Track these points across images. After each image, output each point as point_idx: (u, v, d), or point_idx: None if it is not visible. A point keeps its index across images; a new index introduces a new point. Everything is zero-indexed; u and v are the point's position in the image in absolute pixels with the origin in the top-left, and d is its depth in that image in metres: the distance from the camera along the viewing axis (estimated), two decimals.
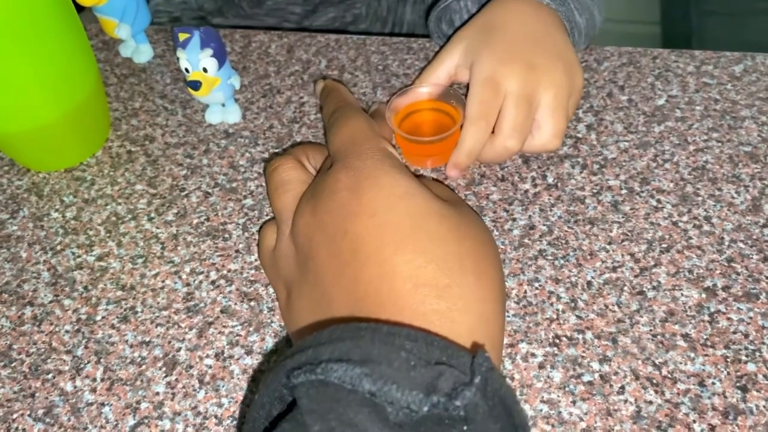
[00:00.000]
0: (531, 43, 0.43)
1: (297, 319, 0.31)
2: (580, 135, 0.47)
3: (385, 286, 0.26)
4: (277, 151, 0.48)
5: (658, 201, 0.42)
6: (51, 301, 0.41)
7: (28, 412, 0.35)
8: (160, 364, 0.37)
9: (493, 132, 0.42)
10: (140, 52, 0.55)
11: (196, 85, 0.45)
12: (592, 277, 0.39)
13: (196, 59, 0.45)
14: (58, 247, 0.44)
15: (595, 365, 0.35)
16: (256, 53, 0.56)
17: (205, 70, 0.45)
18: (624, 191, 0.43)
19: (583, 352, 0.35)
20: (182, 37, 0.44)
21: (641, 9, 1.95)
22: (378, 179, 0.29)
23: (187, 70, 0.45)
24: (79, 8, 0.48)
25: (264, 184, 0.46)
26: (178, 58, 0.45)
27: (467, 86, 0.44)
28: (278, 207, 0.34)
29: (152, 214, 0.45)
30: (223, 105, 0.50)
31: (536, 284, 0.39)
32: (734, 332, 0.36)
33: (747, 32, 1.40)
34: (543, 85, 0.41)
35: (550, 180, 0.44)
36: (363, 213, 0.28)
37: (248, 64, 0.55)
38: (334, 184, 0.30)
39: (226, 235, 0.43)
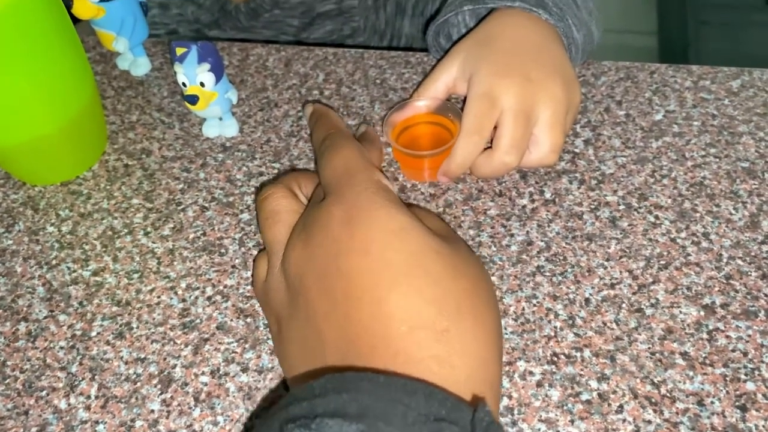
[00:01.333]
0: (529, 57, 0.43)
1: (288, 354, 0.30)
2: (577, 150, 0.46)
3: (379, 327, 0.25)
4: (274, 165, 0.48)
5: (656, 217, 0.42)
6: (46, 317, 0.41)
7: (22, 430, 0.35)
8: (155, 381, 0.36)
9: (490, 147, 0.42)
10: (138, 65, 0.55)
11: (193, 99, 0.45)
12: (590, 294, 0.38)
13: (194, 74, 0.45)
14: (54, 262, 0.43)
15: (594, 383, 0.34)
16: (254, 66, 0.56)
17: (202, 84, 0.45)
18: (622, 207, 0.43)
19: (581, 370, 0.35)
20: (179, 51, 0.44)
21: (638, 19, 1.96)
22: (371, 213, 0.28)
23: (184, 84, 0.45)
24: (76, 20, 0.48)
25: None
26: (175, 72, 0.45)
27: (465, 99, 0.44)
28: (269, 239, 0.34)
29: (148, 229, 0.45)
30: (221, 119, 0.50)
31: (534, 301, 0.38)
32: (733, 350, 0.35)
33: (743, 43, 1.40)
34: (541, 100, 0.41)
35: (547, 195, 0.44)
36: (356, 250, 0.27)
37: (246, 78, 0.55)
38: (327, 217, 0.29)
39: (223, 250, 0.43)
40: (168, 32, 0.71)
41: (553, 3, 0.46)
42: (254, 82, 0.54)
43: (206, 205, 0.46)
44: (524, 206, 0.43)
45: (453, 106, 0.45)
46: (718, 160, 0.45)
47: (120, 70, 0.57)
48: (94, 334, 0.39)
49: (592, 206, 0.43)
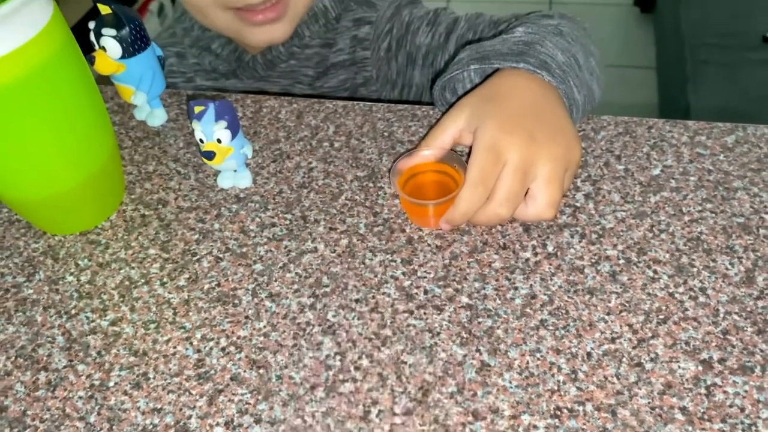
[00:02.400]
0: (533, 116, 0.45)
1: None
2: (578, 204, 0.48)
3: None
4: (286, 215, 0.50)
5: (655, 272, 0.43)
6: (65, 366, 0.42)
7: None
8: None
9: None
10: (154, 116, 0.58)
11: (210, 155, 0.47)
12: (592, 348, 0.40)
13: (211, 131, 0.47)
14: (73, 311, 0.45)
15: None
16: (267, 118, 0.58)
17: (219, 140, 0.47)
18: (622, 261, 0.44)
19: (584, 424, 0.36)
20: (197, 109, 0.47)
21: (638, 55, 1.99)
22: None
23: (201, 140, 0.47)
24: (96, 74, 0.51)
25: (273, 249, 0.47)
26: (193, 129, 0.48)
27: (469, 149, 0.46)
28: None
29: (165, 279, 0.46)
30: (235, 170, 0.52)
31: (538, 354, 0.40)
32: (730, 406, 0.37)
33: (741, 81, 1.43)
34: (541, 158, 0.43)
35: (550, 249, 0.45)
36: None
37: (259, 129, 0.57)
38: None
39: (236, 301, 0.44)
40: (185, 81, 0.73)
41: (557, 65, 0.49)
42: (267, 134, 0.57)
43: (221, 255, 0.47)
44: (527, 259, 0.45)
45: (458, 157, 0.47)
46: (714, 215, 0.47)
47: (137, 120, 0.59)
48: (112, 384, 0.41)
49: (593, 260, 0.45)
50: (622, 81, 1.93)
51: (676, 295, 0.42)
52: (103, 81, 0.60)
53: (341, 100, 0.59)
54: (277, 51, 0.68)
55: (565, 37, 0.53)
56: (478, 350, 0.40)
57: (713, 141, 0.52)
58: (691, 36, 1.54)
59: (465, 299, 0.43)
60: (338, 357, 0.41)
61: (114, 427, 0.38)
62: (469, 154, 0.45)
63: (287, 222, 0.49)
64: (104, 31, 0.51)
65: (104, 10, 0.52)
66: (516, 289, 0.43)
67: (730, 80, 1.43)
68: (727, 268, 0.43)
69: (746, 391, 0.37)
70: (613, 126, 0.54)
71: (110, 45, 0.51)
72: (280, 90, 0.71)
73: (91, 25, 0.52)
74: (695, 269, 0.43)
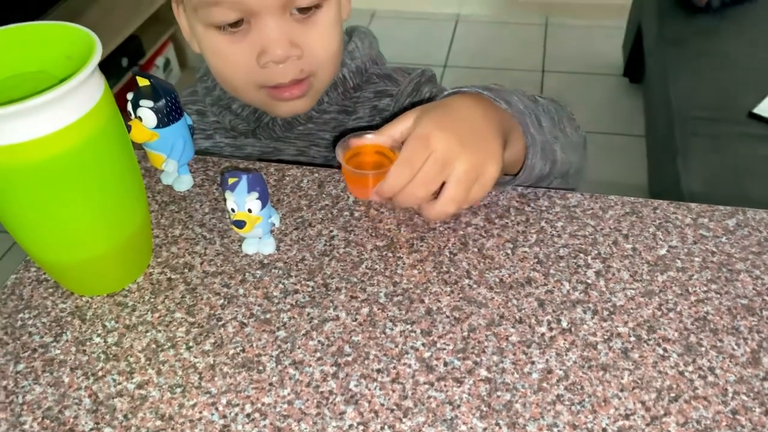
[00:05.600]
0: (468, 126, 0.52)
1: None
2: (590, 281, 0.51)
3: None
4: (308, 283, 0.51)
5: (665, 350, 0.45)
6: (91, 429, 0.43)
7: None
8: None
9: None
10: (181, 181, 0.60)
11: (240, 224, 0.49)
12: (607, 424, 0.41)
13: (243, 201, 0.49)
14: (100, 373, 0.46)
15: None
16: (290, 186, 0.60)
17: (249, 210, 0.49)
18: (633, 339, 0.46)
19: None
20: (231, 180, 0.49)
21: (628, 124, 2.06)
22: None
23: (233, 209, 0.49)
24: None
25: (296, 316, 0.49)
26: (225, 199, 0.50)
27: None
28: None
29: (190, 343, 0.48)
30: (260, 237, 0.54)
31: (555, 430, 0.41)
32: None
33: (730, 154, 1.48)
34: (461, 159, 0.50)
35: (564, 324, 0.47)
36: None
37: (282, 197, 0.59)
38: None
39: (261, 368, 0.46)
40: (205, 138, 0.76)
41: (515, 105, 0.56)
42: (290, 202, 0.59)
43: (245, 321, 0.49)
44: (543, 334, 0.47)
45: (398, 144, 0.53)
46: (719, 296, 0.49)
47: (163, 185, 0.61)
48: None
49: (605, 336, 0.47)
50: (612, 148, 1.99)
51: (686, 374, 0.44)
52: (134, 144, 0.62)
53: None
54: (296, 114, 0.71)
55: (537, 103, 0.60)
56: (497, 424, 0.42)
57: (715, 223, 0.54)
58: (679, 109, 1.60)
59: (484, 372, 0.45)
60: (361, 427, 0.42)
61: None
62: None
63: (309, 289, 0.51)
64: (142, 102, 0.54)
65: (142, 82, 0.55)
66: (533, 363, 0.45)
67: (719, 153, 1.48)
68: (733, 349, 0.45)
69: None
70: (620, 206, 0.57)
71: (146, 115, 0.54)
72: (297, 151, 0.74)
73: (130, 96, 0.55)
74: (703, 348, 0.45)
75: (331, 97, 0.71)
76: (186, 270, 0.53)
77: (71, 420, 0.43)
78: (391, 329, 0.48)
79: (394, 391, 0.44)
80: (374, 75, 0.74)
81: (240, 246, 0.55)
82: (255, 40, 0.59)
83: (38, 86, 0.44)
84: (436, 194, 0.51)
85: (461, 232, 0.55)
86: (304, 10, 0.59)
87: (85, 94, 0.42)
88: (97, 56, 0.42)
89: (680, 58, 1.67)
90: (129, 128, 0.54)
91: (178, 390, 0.45)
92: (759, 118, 1.51)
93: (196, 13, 0.59)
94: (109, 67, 1.78)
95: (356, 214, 0.57)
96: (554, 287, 0.50)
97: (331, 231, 0.56)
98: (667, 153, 1.58)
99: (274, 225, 0.53)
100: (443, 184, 0.51)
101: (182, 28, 0.67)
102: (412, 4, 2.55)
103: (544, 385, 0.44)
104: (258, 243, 0.54)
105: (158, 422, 0.43)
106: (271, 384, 0.45)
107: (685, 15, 1.75)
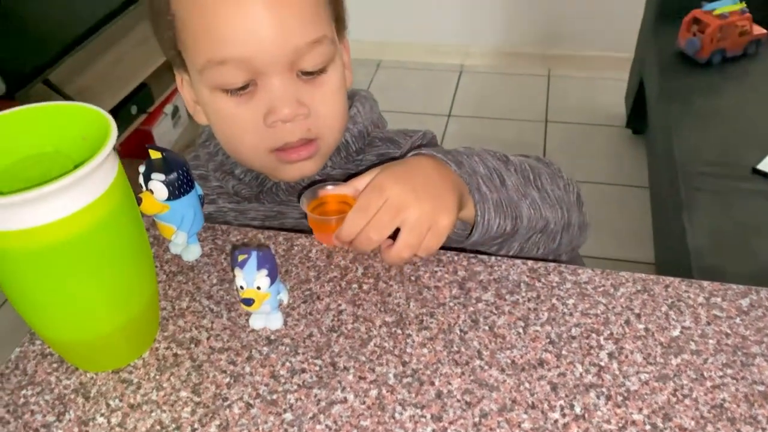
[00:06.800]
0: (422, 180, 0.56)
1: None
2: (602, 363, 0.50)
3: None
4: (316, 361, 0.51)
5: None
6: None
7: None
8: None
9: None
10: (189, 251, 0.60)
11: (249, 302, 0.49)
12: None
13: (252, 278, 0.49)
14: None
15: None
16: (298, 257, 0.60)
17: (258, 287, 0.49)
18: (648, 427, 0.45)
19: None
20: (241, 258, 0.49)
21: (631, 177, 2.07)
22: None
23: (242, 287, 0.49)
24: None
25: (303, 398, 0.48)
26: (234, 276, 0.49)
27: None
28: None
29: (195, 425, 0.47)
30: (267, 312, 0.53)
31: None
32: None
33: (734, 209, 1.48)
34: (413, 206, 0.53)
35: (577, 410, 0.46)
36: None
37: (290, 268, 0.59)
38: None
39: None
40: (208, 202, 0.76)
41: (468, 165, 0.59)
42: (298, 273, 0.58)
43: (251, 402, 0.48)
44: (556, 420, 0.46)
45: (357, 195, 0.56)
46: (735, 381, 0.48)
47: (172, 254, 0.61)
48: None
49: (620, 424, 0.46)
50: (615, 199, 2.00)
51: None
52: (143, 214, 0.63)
53: None
54: (303, 177, 0.71)
55: (508, 163, 0.64)
56: None
57: (728, 303, 0.54)
58: (683, 163, 1.61)
59: None
60: None
61: None
62: None
63: (317, 368, 0.50)
64: (153, 175, 0.54)
65: (155, 155, 0.55)
66: None
67: (724, 209, 1.48)
68: None
69: None
70: (632, 283, 0.56)
71: (158, 188, 0.54)
72: (300, 214, 0.74)
73: (141, 168, 0.55)
74: None
75: (335, 161, 0.72)
76: (192, 345, 0.53)
77: None
78: (401, 413, 0.47)
79: None
80: (377, 138, 0.74)
81: (247, 320, 0.54)
82: (262, 100, 0.59)
83: (53, 167, 0.44)
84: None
85: (471, 309, 0.54)
86: (309, 73, 0.60)
87: (99, 177, 0.42)
88: (113, 139, 0.42)
89: (683, 113, 1.69)
90: (140, 200, 0.54)
91: None
92: (763, 174, 1.52)
93: (201, 76, 0.60)
94: (118, 115, 1.80)
95: (365, 287, 0.57)
96: (567, 369, 0.49)
97: (340, 305, 0.55)
98: (672, 207, 1.59)
99: (282, 301, 0.52)
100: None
101: (186, 102, 0.67)
102: (417, 54, 2.60)
103: None
104: (265, 318, 0.53)
105: None
106: None
107: (687, 70, 1.78)
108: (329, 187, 0.59)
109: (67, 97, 1.74)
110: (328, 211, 0.59)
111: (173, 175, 0.54)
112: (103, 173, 0.42)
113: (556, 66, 2.54)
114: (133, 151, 1.89)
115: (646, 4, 2.06)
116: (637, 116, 2.18)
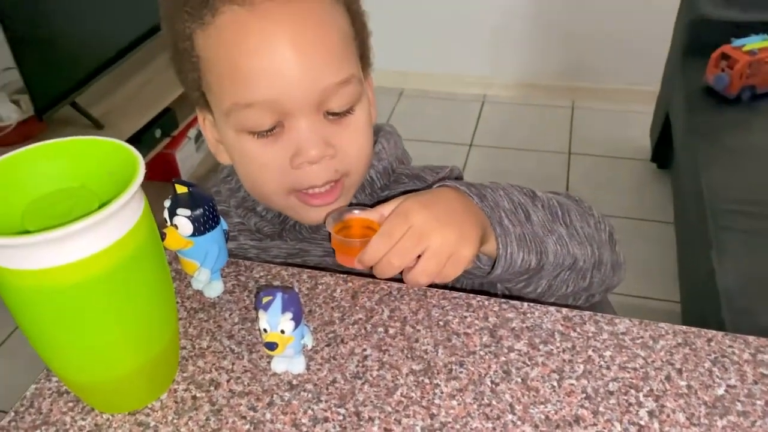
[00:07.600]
0: (446, 209, 0.56)
1: None
2: (642, 422, 0.47)
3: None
4: (339, 410, 0.49)
5: None
6: None
7: None
8: None
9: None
10: (212, 287, 0.58)
11: (272, 346, 0.47)
12: None
13: (276, 321, 0.47)
14: None
15: None
16: (322, 296, 0.58)
17: (282, 331, 0.47)
18: None
19: None
20: (265, 299, 0.47)
21: (656, 212, 2.04)
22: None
23: (265, 330, 0.47)
24: None
25: None
26: (258, 317, 0.48)
27: None
28: None
29: None
30: (290, 356, 0.51)
31: None
32: None
33: (763, 248, 1.44)
34: (436, 234, 0.53)
35: None
36: None
37: (314, 308, 0.57)
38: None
39: None
40: (229, 239, 0.74)
41: (491, 199, 0.59)
42: (322, 313, 0.57)
43: None
44: None
45: (383, 220, 0.56)
46: None
47: (193, 290, 0.60)
48: None
49: None
50: (639, 234, 1.96)
51: None
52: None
53: (395, 282, 0.60)
54: None
55: (535, 198, 0.63)
56: None
57: None
58: (711, 201, 1.58)
59: None
60: None
61: None
62: None
63: (341, 417, 0.48)
64: (179, 210, 0.53)
65: (180, 189, 0.54)
66: None
67: (754, 249, 1.44)
68: None
69: None
70: (672, 335, 0.53)
71: (182, 223, 0.53)
72: (324, 252, 0.72)
73: (167, 203, 0.54)
74: None
75: (359, 198, 0.70)
76: (212, 388, 0.51)
77: None
78: None
79: None
80: (403, 175, 0.73)
81: (269, 362, 0.52)
82: (288, 141, 0.58)
83: (79, 202, 0.43)
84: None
85: (503, 358, 0.52)
86: (336, 114, 0.59)
87: (125, 215, 0.41)
88: (140, 177, 0.41)
89: (711, 150, 1.66)
90: (163, 236, 0.53)
91: None
92: None
93: (227, 118, 0.58)
94: (142, 138, 1.82)
95: (391, 331, 0.55)
96: (604, 428, 0.47)
97: (365, 349, 0.53)
98: (700, 245, 1.55)
99: (306, 346, 0.50)
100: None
101: (208, 141, 0.66)
102: (439, 83, 2.60)
103: None
104: (288, 361, 0.51)
105: None
106: None
107: (715, 106, 1.75)
108: (356, 212, 0.59)
109: (93, 120, 1.76)
110: (352, 234, 0.59)
111: (199, 211, 0.53)
112: (129, 211, 0.41)
113: (580, 98, 2.52)
114: (155, 175, 1.89)
115: (673, 38, 2.04)
116: (662, 150, 2.15)
